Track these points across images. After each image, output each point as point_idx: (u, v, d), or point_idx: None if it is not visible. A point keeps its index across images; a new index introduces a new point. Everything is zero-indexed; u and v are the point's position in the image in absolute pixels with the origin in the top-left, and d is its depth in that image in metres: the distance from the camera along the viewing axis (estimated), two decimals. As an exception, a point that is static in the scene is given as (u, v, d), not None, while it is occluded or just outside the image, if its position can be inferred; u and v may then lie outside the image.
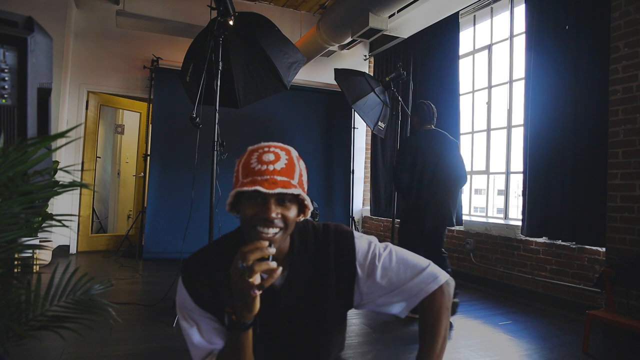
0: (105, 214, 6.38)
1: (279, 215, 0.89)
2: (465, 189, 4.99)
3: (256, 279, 0.82)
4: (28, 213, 1.02)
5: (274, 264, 0.83)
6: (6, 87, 1.28)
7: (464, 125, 4.93)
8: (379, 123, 4.23)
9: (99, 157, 5.81)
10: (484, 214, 4.94)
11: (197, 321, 0.97)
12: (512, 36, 4.40)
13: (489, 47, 4.79)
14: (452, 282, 1.06)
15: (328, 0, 5.78)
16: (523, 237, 3.81)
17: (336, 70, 4.32)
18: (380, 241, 1.09)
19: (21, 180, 0.95)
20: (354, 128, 6.39)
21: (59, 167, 1.11)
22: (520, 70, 4.17)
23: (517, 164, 4.25)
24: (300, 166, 0.96)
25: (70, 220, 1.17)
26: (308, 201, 0.93)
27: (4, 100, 1.27)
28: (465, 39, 5.11)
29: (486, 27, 4.85)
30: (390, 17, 4.47)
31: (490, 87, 4.75)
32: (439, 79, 4.99)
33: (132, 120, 6.31)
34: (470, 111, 5.03)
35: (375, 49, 6.31)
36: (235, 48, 3.22)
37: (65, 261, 4.53)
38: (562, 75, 3.50)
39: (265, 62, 3.25)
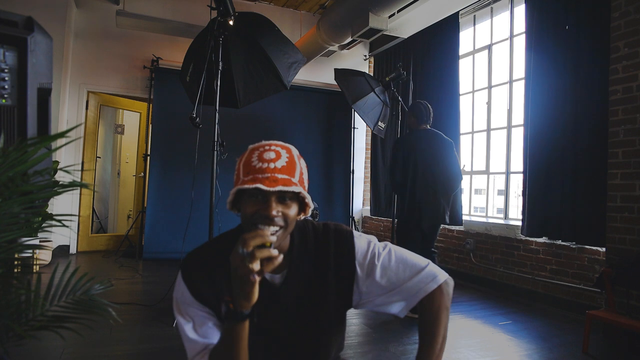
0: (105, 214, 6.38)
1: (280, 213, 0.89)
2: (465, 189, 4.99)
3: (256, 266, 0.81)
4: (28, 213, 1.03)
5: (275, 252, 0.83)
6: (6, 87, 1.28)
7: (464, 125, 4.93)
8: (379, 123, 4.23)
9: (99, 157, 5.81)
10: (484, 214, 4.94)
11: (193, 316, 0.97)
12: (512, 36, 4.40)
13: (489, 47, 4.79)
14: (451, 282, 1.06)
15: (328, 0, 5.78)
16: (523, 237, 3.81)
17: (336, 70, 4.32)
18: (380, 241, 1.10)
19: (21, 180, 0.95)
20: (354, 128, 6.39)
21: (59, 167, 1.12)
22: (520, 70, 4.17)
23: (517, 164, 4.25)
24: (301, 164, 0.96)
25: (70, 220, 1.17)
26: (309, 199, 0.94)
27: (4, 100, 1.27)
28: (465, 39, 5.11)
29: (486, 27, 4.85)
30: (390, 17, 4.47)
31: (490, 87, 4.75)
32: (439, 79, 4.99)
33: (132, 120, 6.31)
34: (470, 111, 5.03)
35: (375, 49, 6.31)
36: (235, 48, 3.22)
37: (65, 261, 4.53)
38: (562, 75, 3.50)
39: (265, 62, 3.25)
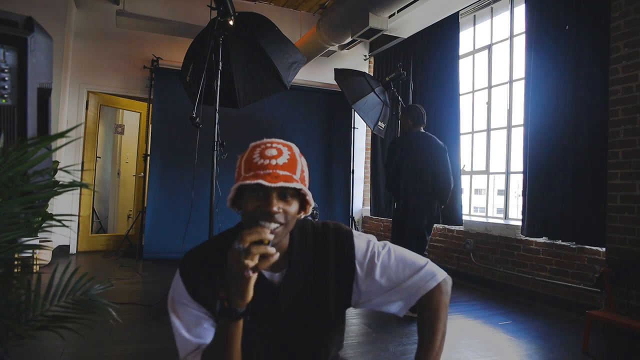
0: (105, 214, 6.38)
1: (281, 210, 0.89)
2: (465, 189, 5.00)
3: (251, 262, 0.80)
4: (28, 213, 1.03)
5: (272, 249, 0.82)
6: (6, 87, 1.28)
7: (464, 125, 4.93)
8: (379, 123, 4.23)
9: (99, 157, 5.81)
10: (484, 214, 4.94)
11: (188, 315, 0.96)
12: (512, 36, 4.40)
13: (489, 47, 4.79)
14: (450, 280, 1.07)
15: (328, 0, 5.78)
16: (523, 237, 3.81)
17: (336, 70, 4.32)
18: (379, 241, 1.10)
19: (21, 180, 0.95)
20: (354, 128, 6.39)
21: (59, 167, 1.12)
22: (520, 70, 4.17)
23: (517, 164, 4.25)
24: (302, 162, 0.96)
25: (70, 220, 1.17)
26: (310, 196, 0.94)
27: (4, 100, 1.27)
28: (465, 39, 5.11)
29: (486, 27, 4.85)
30: (390, 17, 4.47)
31: (490, 87, 4.75)
32: (439, 79, 4.99)
33: (132, 120, 6.31)
34: (470, 111, 5.02)
35: (375, 49, 6.31)
36: (235, 48, 3.22)
37: (65, 261, 4.53)
38: (562, 75, 3.50)
39: (265, 62, 3.25)
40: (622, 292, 2.68)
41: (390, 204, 5.62)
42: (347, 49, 6.22)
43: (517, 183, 4.27)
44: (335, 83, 4.31)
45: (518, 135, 4.26)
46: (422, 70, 5.33)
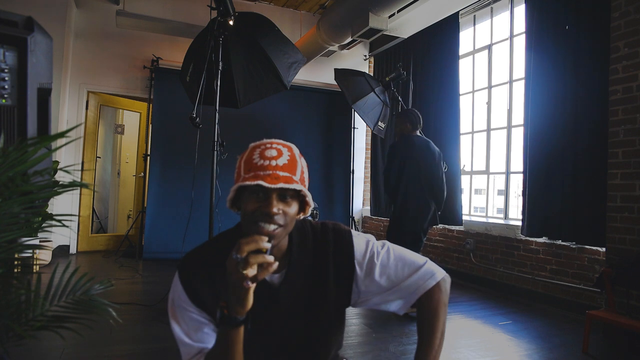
0: (105, 214, 6.38)
1: (280, 211, 0.89)
2: (465, 189, 5.00)
3: (250, 272, 0.80)
4: (28, 213, 1.02)
5: (270, 258, 0.82)
6: (6, 87, 1.28)
7: (464, 125, 4.93)
8: (379, 123, 4.23)
9: (99, 157, 5.81)
10: (484, 214, 4.94)
11: (189, 320, 0.96)
12: (512, 36, 4.40)
13: (489, 47, 4.79)
14: (449, 279, 1.07)
15: (328, 0, 5.78)
16: (523, 237, 3.81)
17: (336, 70, 4.32)
18: (378, 240, 1.10)
19: (21, 180, 0.95)
20: (354, 128, 6.39)
21: (59, 167, 1.12)
22: (520, 70, 4.17)
23: (517, 164, 4.25)
24: (302, 163, 0.96)
25: (70, 220, 1.17)
26: (309, 198, 0.93)
27: (4, 100, 1.27)
28: (465, 39, 5.11)
29: (486, 27, 4.85)
30: (390, 17, 4.47)
31: (490, 87, 4.75)
32: (439, 79, 4.99)
33: (132, 120, 6.31)
34: (470, 111, 5.02)
35: (375, 49, 6.31)
36: (235, 48, 3.22)
37: (65, 261, 4.53)
38: (562, 75, 3.50)
39: (265, 62, 3.25)
40: (622, 292, 2.68)
41: (390, 204, 5.62)
42: (347, 49, 6.22)
43: (517, 183, 4.27)
44: (335, 83, 4.30)
45: (518, 135, 4.27)
46: (422, 70, 5.33)
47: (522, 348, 2.66)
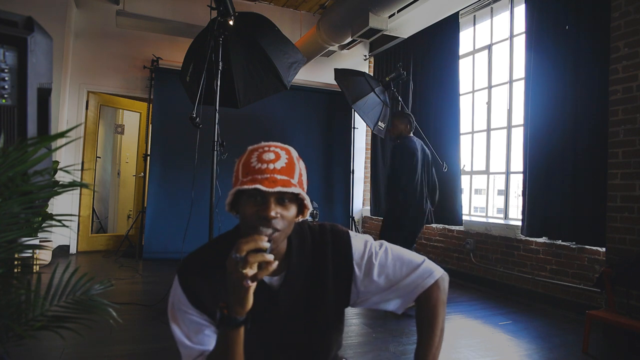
0: (105, 214, 6.38)
1: (279, 215, 0.89)
2: (465, 189, 5.00)
3: (250, 271, 0.80)
4: (28, 213, 1.03)
5: (270, 257, 0.81)
6: (6, 87, 1.28)
7: (464, 125, 4.93)
8: (379, 123, 4.23)
9: (99, 157, 5.81)
10: (484, 214, 4.94)
11: (189, 323, 0.96)
12: (512, 36, 4.40)
13: (489, 47, 4.79)
14: (447, 277, 1.07)
15: (328, 0, 5.78)
16: (523, 237, 3.81)
17: (336, 70, 4.32)
18: (376, 241, 1.10)
19: (21, 180, 0.95)
20: (354, 128, 6.39)
21: (59, 167, 1.12)
22: (520, 70, 4.17)
23: (517, 164, 4.25)
24: (300, 166, 0.96)
25: (70, 220, 1.17)
26: (308, 201, 0.93)
27: (4, 100, 1.27)
28: (465, 39, 5.11)
29: (486, 27, 4.85)
30: (390, 17, 4.47)
31: (490, 87, 4.75)
32: (439, 79, 4.99)
33: (132, 120, 6.31)
34: (470, 111, 5.03)
35: (375, 49, 6.31)
36: (235, 48, 3.22)
37: (65, 261, 4.53)
38: (562, 75, 3.50)
39: (265, 62, 3.25)
40: (622, 292, 2.68)
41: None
42: (347, 49, 6.22)
43: (517, 183, 4.27)
44: (335, 83, 4.31)
45: (518, 135, 4.27)
46: (422, 70, 5.33)
47: (522, 348, 2.66)
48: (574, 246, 3.38)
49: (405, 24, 4.90)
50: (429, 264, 1.06)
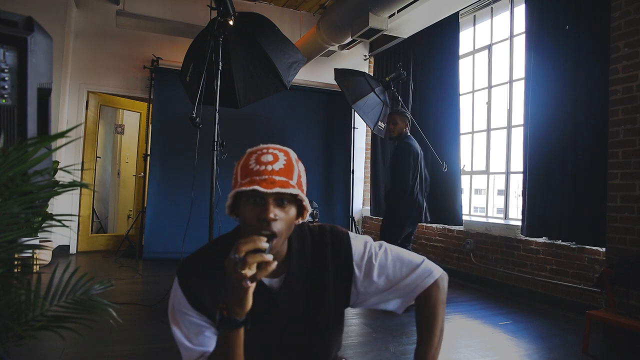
0: (105, 214, 6.38)
1: (277, 216, 0.89)
2: (465, 189, 5.00)
3: (249, 271, 0.80)
4: (28, 213, 1.03)
5: (269, 257, 0.81)
6: (6, 87, 1.28)
7: (464, 125, 4.93)
8: (379, 123, 4.24)
9: (99, 157, 5.81)
10: (484, 214, 4.94)
11: (189, 325, 0.96)
12: (512, 36, 4.40)
13: (489, 47, 4.79)
14: (446, 276, 1.08)
15: (328, 0, 5.78)
16: (523, 237, 3.81)
17: (336, 70, 4.33)
18: (375, 241, 1.10)
19: (21, 180, 0.95)
20: (354, 128, 6.39)
21: (59, 167, 1.12)
22: (520, 70, 4.17)
23: (517, 164, 4.25)
24: (299, 167, 0.96)
25: (70, 220, 1.17)
26: (306, 202, 0.93)
27: (4, 100, 1.27)
28: (465, 39, 5.11)
29: (486, 27, 4.85)
30: (390, 17, 4.47)
31: (490, 87, 4.75)
32: (439, 79, 4.99)
33: (132, 120, 6.31)
34: (470, 111, 5.03)
35: (375, 49, 6.31)
36: (235, 48, 3.22)
37: (65, 261, 4.53)
38: (562, 75, 3.50)
39: (265, 62, 3.25)
40: (622, 292, 2.67)
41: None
42: (347, 49, 6.22)
43: (517, 183, 4.27)
44: (335, 83, 4.31)
45: (518, 135, 4.27)
46: (422, 70, 5.33)
47: (522, 348, 2.66)
48: (574, 246, 3.38)
49: (405, 24, 4.90)
50: (428, 264, 1.06)
